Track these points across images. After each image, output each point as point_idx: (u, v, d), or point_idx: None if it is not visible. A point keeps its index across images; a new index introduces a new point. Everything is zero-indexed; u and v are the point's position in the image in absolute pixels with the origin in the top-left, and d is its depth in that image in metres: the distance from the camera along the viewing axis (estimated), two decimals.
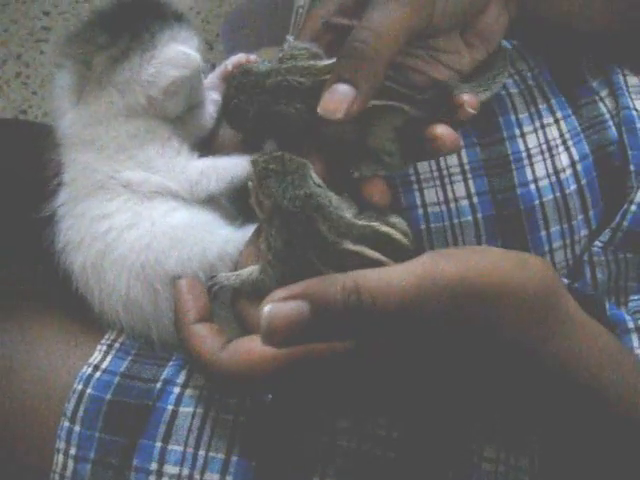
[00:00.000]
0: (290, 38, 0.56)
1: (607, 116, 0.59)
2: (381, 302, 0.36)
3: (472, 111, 0.50)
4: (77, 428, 0.47)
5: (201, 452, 0.46)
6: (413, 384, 0.42)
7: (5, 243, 0.61)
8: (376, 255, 0.43)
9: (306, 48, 0.54)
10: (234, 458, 0.46)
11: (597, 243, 0.58)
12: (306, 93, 0.51)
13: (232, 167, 0.54)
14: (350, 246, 0.44)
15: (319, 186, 0.45)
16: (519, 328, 0.38)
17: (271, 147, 0.55)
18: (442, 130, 0.48)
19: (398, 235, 0.45)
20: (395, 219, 0.47)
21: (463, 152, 0.58)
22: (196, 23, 1.58)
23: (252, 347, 0.41)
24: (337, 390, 0.44)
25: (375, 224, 0.45)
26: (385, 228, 0.45)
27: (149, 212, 0.51)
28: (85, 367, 0.49)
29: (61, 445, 0.47)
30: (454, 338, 0.38)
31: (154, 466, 0.46)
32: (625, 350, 0.43)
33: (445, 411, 0.44)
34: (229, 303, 0.48)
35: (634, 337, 0.51)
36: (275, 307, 0.35)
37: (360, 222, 0.45)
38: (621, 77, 0.61)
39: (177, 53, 0.51)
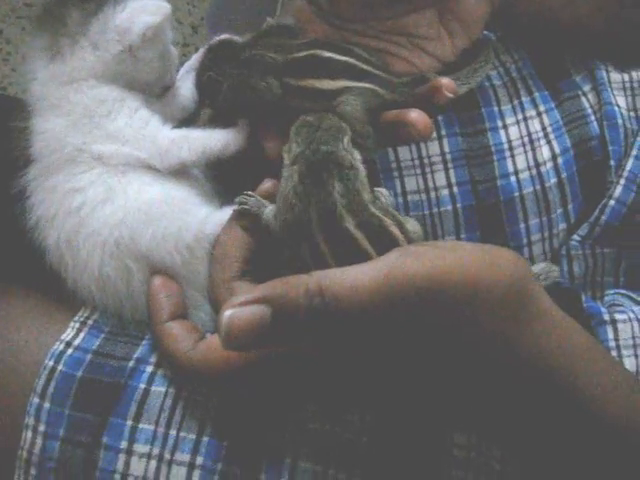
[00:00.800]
0: (270, 19, 0.56)
1: (589, 111, 0.59)
2: (345, 304, 0.35)
3: (449, 95, 0.50)
4: (47, 405, 0.46)
5: (172, 432, 0.46)
6: (384, 378, 0.42)
7: None
8: (369, 250, 0.43)
9: (284, 25, 0.54)
10: (205, 438, 0.45)
11: (575, 237, 0.58)
12: (278, 69, 0.52)
13: (205, 139, 0.54)
14: (351, 228, 0.43)
15: (347, 152, 0.46)
16: (491, 325, 0.37)
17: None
18: (415, 115, 0.48)
19: (404, 242, 0.44)
20: (411, 224, 0.47)
21: (445, 141, 0.58)
22: (181, 5, 1.57)
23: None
24: (307, 381, 0.44)
25: (386, 219, 0.45)
26: (394, 228, 0.44)
27: (123, 187, 0.50)
28: (57, 344, 0.49)
29: (30, 421, 0.46)
30: (423, 337, 0.37)
31: (124, 445, 0.45)
32: (599, 346, 0.43)
33: (417, 400, 0.44)
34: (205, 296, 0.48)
35: (609, 329, 0.51)
36: (235, 312, 0.35)
37: (373, 210, 0.45)
38: (604, 73, 0.61)
39: (148, 1, 0.52)
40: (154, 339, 0.47)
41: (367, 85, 0.52)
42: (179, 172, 0.54)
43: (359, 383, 0.44)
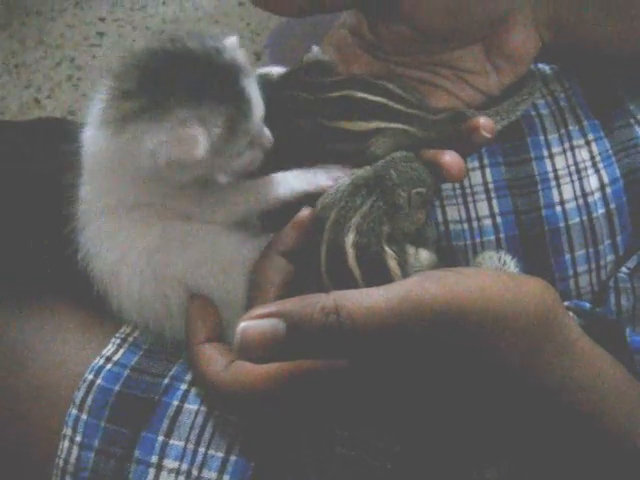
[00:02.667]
0: (315, 48, 0.57)
1: None
2: (360, 324, 0.36)
3: (487, 135, 0.49)
4: (84, 416, 0.48)
5: (201, 449, 0.46)
6: (409, 399, 0.41)
7: (34, 236, 0.62)
8: (354, 268, 0.44)
9: (319, 61, 0.54)
10: (233, 457, 0.46)
11: (624, 269, 0.56)
12: (312, 109, 0.52)
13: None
14: (348, 242, 0.44)
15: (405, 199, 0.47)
16: (515, 354, 0.37)
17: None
18: (449, 159, 0.48)
19: (398, 276, 0.44)
20: (424, 256, 0.47)
21: (487, 171, 0.57)
22: (245, 33, 1.61)
23: (253, 366, 0.42)
24: (335, 405, 0.44)
25: (388, 250, 0.45)
26: (392, 261, 0.44)
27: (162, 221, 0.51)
28: (98, 358, 0.51)
29: (68, 431, 0.48)
30: (440, 359, 0.37)
31: (154, 459, 0.47)
32: (631, 380, 0.41)
33: (444, 427, 0.43)
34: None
35: None
36: (250, 324, 0.36)
37: (381, 239, 0.45)
38: None
39: (184, 136, 0.45)
40: (189, 360, 0.48)
41: (399, 126, 0.52)
42: None
43: (382, 405, 0.43)
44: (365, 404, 0.43)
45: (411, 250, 0.46)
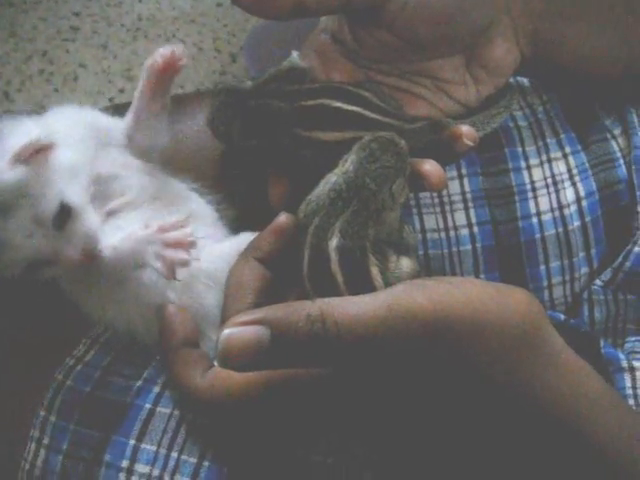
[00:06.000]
0: (295, 53, 0.56)
1: (618, 154, 0.59)
2: (346, 332, 0.35)
3: (470, 143, 0.49)
4: (53, 418, 0.47)
5: (173, 454, 0.46)
6: (392, 410, 0.41)
7: None
8: (337, 273, 0.43)
9: (294, 68, 0.54)
10: (206, 463, 0.45)
11: (598, 282, 0.57)
12: (286, 119, 0.51)
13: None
14: (331, 245, 0.43)
15: (390, 196, 0.46)
16: (498, 365, 0.37)
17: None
18: (429, 167, 0.48)
19: (379, 283, 0.44)
20: (405, 264, 0.46)
21: (465, 181, 0.57)
22: (221, 34, 1.60)
23: (230, 373, 0.41)
24: (314, 415, 0.43)
25: (372, 258, 0.44)
26: (374, 268, 0.44)
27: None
28: (67, 359, 0.49)
29: (35, 433, 0.47)
30: (426, 369, 0.37)
31: (125, 463, 0.45)
32: (612, 393, 0.41)
33: (427, 436, 0.43)
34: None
35: (627, 376, 0.50)
36: (233, 331, 0.35)
37: (365, 242, 0.44)
38: (635, 116, 0.60)
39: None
40: (165, 365, 0.47)
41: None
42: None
43: (363, 413, 0.43)
44: (344, 412, 0.42)
45: (393, 257, 0.45)
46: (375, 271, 0.43)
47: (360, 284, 0.42)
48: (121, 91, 1.50)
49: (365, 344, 0.35)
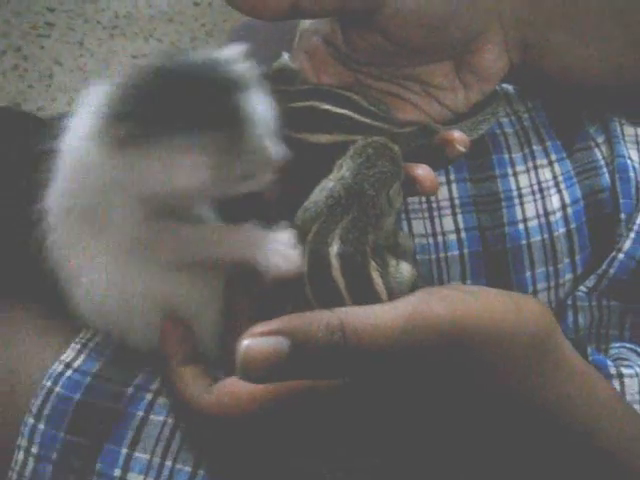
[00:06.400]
0: (285, 55, 0.56)
1: (602, 162, 0.60)
2: (367, 342, 0.35)
3: (462, 148, 0.50)
4: (41, 426, 0.46)
5: (168, 463, 0.45)
6: (404, 421, 0.41)
7: None
8: (339, 281, 0.42)
9: (283, 69, 0.54)
10: (201, 472, 0.45)
11: (582, 288, 0.58)
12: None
13: None
14: (332, 252, 0.43)
15: (386, 202, 0.46)
16: (512, 373, 0.37)
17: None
18: (422, 172, 0.48)
19: (380, 288, 0.44)
20: (405, 268, 0.46)
21: (454, 186, 0.58)
22: (199, 35, 1.59)
23: (236, 387, 0.41)
24: (325, 428, 0.43)
25: (373, 263, 0.44)
26: (375, 274, 0.44)
27: None
28: (56, 364, 0.48)
29: (23, 442, 0.46)
30: (444, 377, 0.37)
31: (117, 472, 0.45)
32: (620, 397, 0.42)
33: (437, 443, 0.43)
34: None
35: (615, 383, 0.51)
36: (252, 342, 0.35)
37: (366, 247, 0.44)
38: (618, 125, 0.62)
39: (178, 164, 0.43)
40: (166, 382, 0.46)
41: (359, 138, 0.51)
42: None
43: (380, 427, 0.42)
44: (356, 422, 0.42)
45: (392, 262, 0.45)
46: (377, 276, 0.43)
47: (362, 290, 0.42)
48: None
49: (385, 354, 0.35)
